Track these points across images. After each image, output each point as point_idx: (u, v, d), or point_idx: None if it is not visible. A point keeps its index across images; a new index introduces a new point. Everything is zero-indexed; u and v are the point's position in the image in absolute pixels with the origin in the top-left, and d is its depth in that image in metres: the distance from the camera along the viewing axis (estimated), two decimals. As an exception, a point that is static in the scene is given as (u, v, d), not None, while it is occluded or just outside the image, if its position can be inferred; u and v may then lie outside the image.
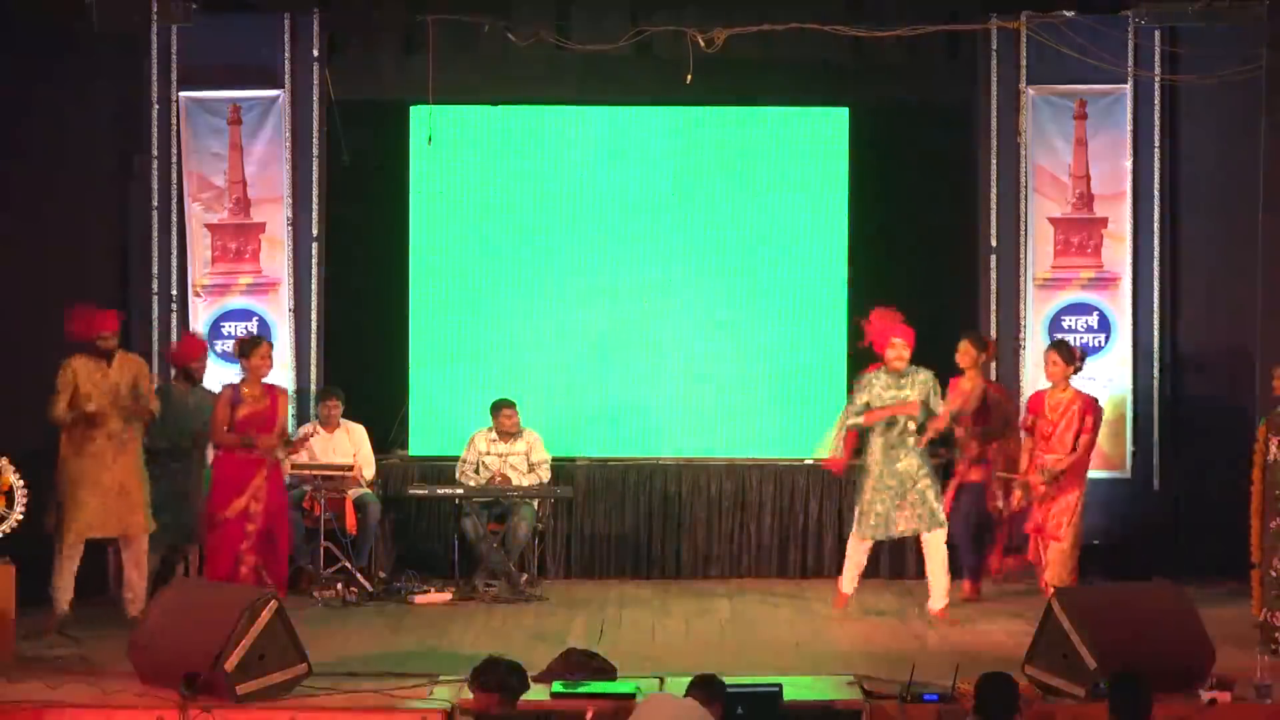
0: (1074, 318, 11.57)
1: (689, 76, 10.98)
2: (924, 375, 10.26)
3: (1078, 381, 10.46)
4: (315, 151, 11.59)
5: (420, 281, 12.32)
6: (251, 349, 10.31)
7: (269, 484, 10.17)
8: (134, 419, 9.94)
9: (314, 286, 11.61)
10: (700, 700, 6.87)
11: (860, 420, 10.20)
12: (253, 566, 10.05)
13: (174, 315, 11.50)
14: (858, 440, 10.35)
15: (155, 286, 11.51)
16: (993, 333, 11.57)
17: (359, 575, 10.90)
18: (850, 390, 10.54)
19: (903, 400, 10.15)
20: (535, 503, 11.24)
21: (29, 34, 11.20)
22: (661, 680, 7.70)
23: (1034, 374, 11.31)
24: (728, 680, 7.50)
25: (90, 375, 9.89)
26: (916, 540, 10.42)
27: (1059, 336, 11.06)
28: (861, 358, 12.01)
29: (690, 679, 7.11)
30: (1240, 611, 9.46)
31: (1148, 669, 7.18)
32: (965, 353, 10.65)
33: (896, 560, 11.40)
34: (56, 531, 9.82)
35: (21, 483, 9.21)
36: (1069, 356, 10.35)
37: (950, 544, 10.35)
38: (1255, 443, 9.29)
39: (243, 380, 10.28)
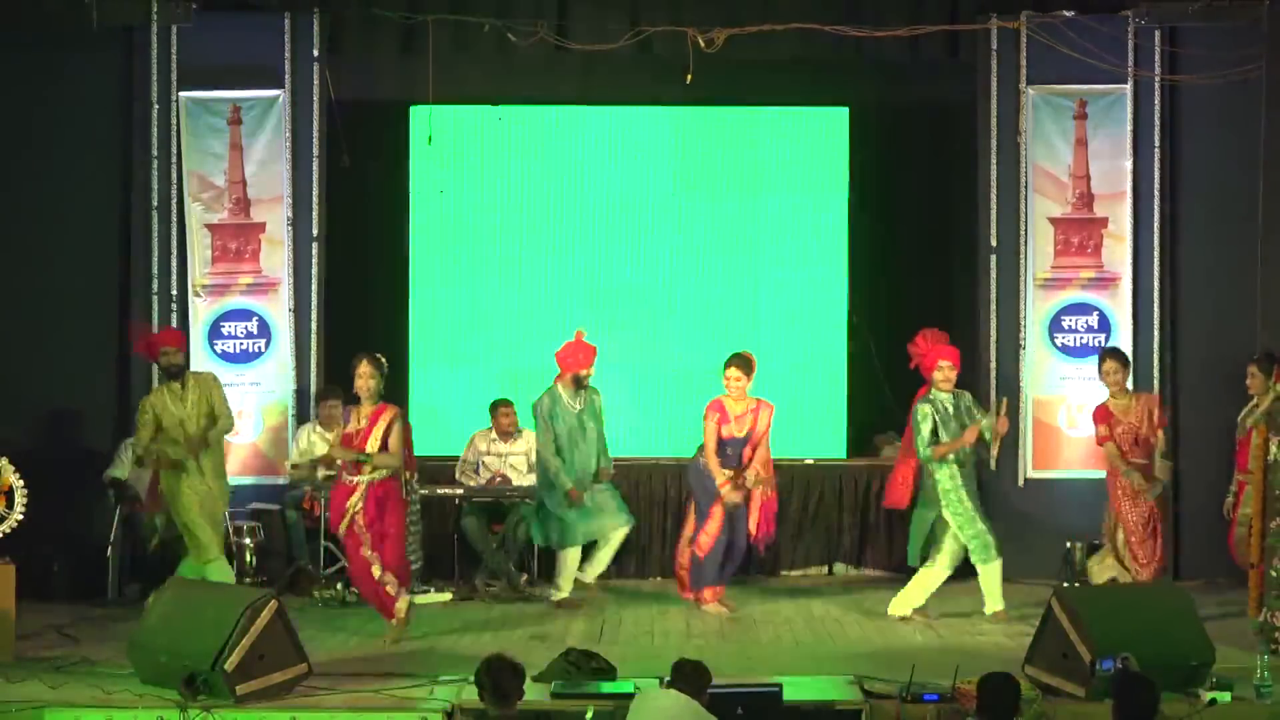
0: (1074, 318, 11.57)
1: (689, 76, 10.98)
2: (968, 395, 10.17)
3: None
4: (315, 151, 11.58)
5: (420, 281, 12.34)
6: (353, 369, 9.78)
7: (367, 501, 9.58)
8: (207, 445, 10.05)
9: (314, 286, 11.61)
10: (687, 693, 6.86)
11: (930, 454, 9.92)
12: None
13: (174, 315, 11.50)
14: (918, 472, 10.13)
15: (155, 286, 11.50)
16: (993, 333, 11.57)
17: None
18: (909, 417, 10.14)
19: (961, 431, 9.97)
20: (535, 503, 11.22)
21: (29, 34, 11.20)
22: (661, 680, 7.69)
23: (1034, 374, 11.32)
24: (728, 680, 7.51)
25: (167, 409, 9.93)
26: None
27: (1060, 342, 10.98)
28: (860, 358, 12.07)
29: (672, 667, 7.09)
30: (1240, 611, 9.46)
31: (1148, 669, 7.20)
32: (736, 378, 10.38)
33: (899, 560, 11.39)
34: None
35: (21, 483, 9.22)
36: (1127, 361, 10.27)
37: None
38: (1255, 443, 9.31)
39: (359, 399, 9.85)
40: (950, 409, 10.03)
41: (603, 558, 10.85)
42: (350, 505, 9.52)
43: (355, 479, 9.51)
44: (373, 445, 9.50)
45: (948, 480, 9.96)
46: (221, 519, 10.21)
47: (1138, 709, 6.40)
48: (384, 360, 9.73)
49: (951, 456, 9.95)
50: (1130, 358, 10.40)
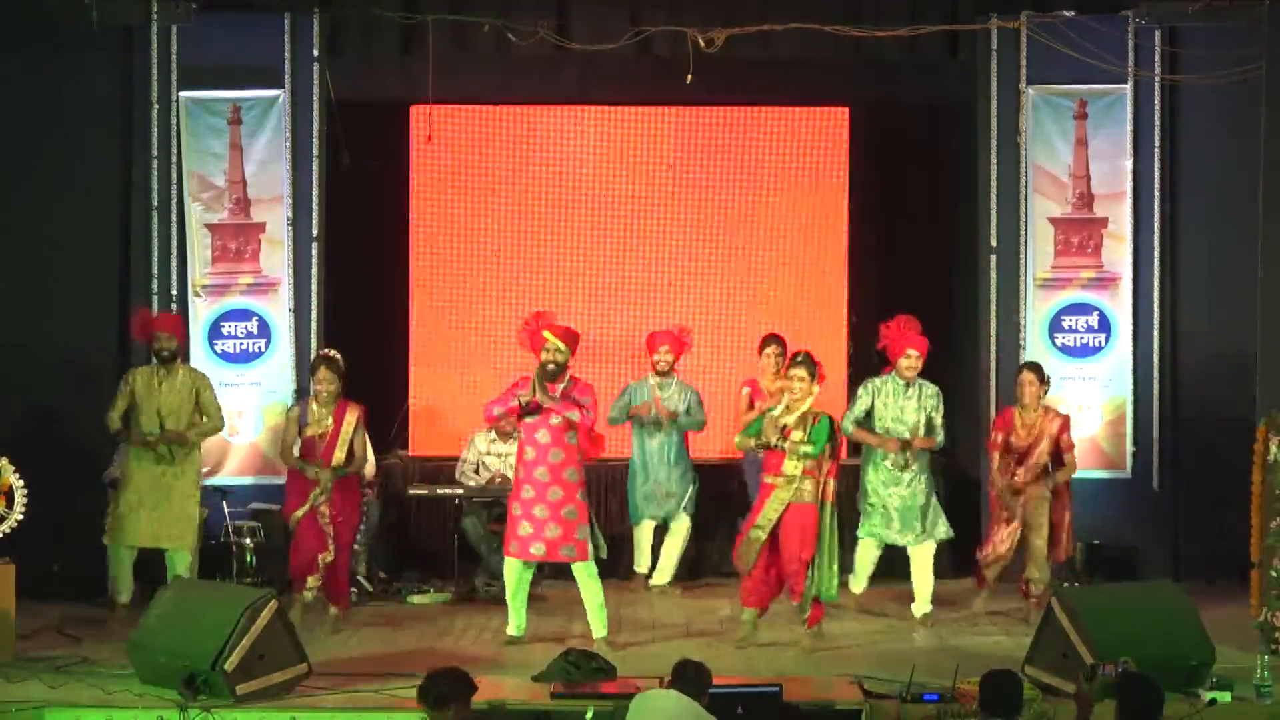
0: (1074, 318, 11.57)
1: (689, 76, 10.98)
2: (930, 390, 10.23)
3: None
4: (315, 151, 11.57)
5: (420, 281, 12.33)
6: (312, 370, 10.22)
7: (333, 501, 9.97)
8: (188, 441, 10.11)
9: (314, 286, 11.60)
10: (688, 694, 6.87)
11: (850, 431, 10.19)
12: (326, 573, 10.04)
13: (174, 315, 11.50)
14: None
15: (155, 286, 11.49)
16: (993, 333, 11.57)
17: (359, 575, 10.90)
18: (853, 391, 10.60)
19: (895, 426, 10.13)
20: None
21: (29, 33, 11.20)
22: (662, 680, 7.70)
23: (1034, 375, 11.31)
24: (728, 680, 7.51)
25: (148, 386, 10.02)
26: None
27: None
28: (860, 358, 12.07)
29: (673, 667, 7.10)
30: (1240, 611, 9.46)
31: (1147, 669, 7.20)
32: (777, 354, 10.82)
33: (901, 563, 11.37)
34: (110, 535, 10.09)
35: (21, 483, 9.22)
36: (1044, 377, 10.30)
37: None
38: (1255, 443, 9.31)
39: (312, 397, 10.13)
40: (899, 395, 10.12)
41: (666, 562, 11.23)
42: (313, 496, 9.89)
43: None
44: (341, 448, 9.94)
45: (870, 474, 10.24)
46: (186, 513, 10.08)
47: (1142, 710, 6.40)
48: (341, 360, 10.17)
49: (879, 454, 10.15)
50: (1047, 374, 10.37)
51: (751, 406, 10.86)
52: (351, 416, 10.07)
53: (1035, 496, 10.10)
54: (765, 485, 9.39)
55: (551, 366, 9.29)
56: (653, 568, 11.31)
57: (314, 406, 10.07)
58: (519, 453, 9.45)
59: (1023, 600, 10.14)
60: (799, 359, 9.53)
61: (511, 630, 9.46)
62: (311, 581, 9.96)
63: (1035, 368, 10.31)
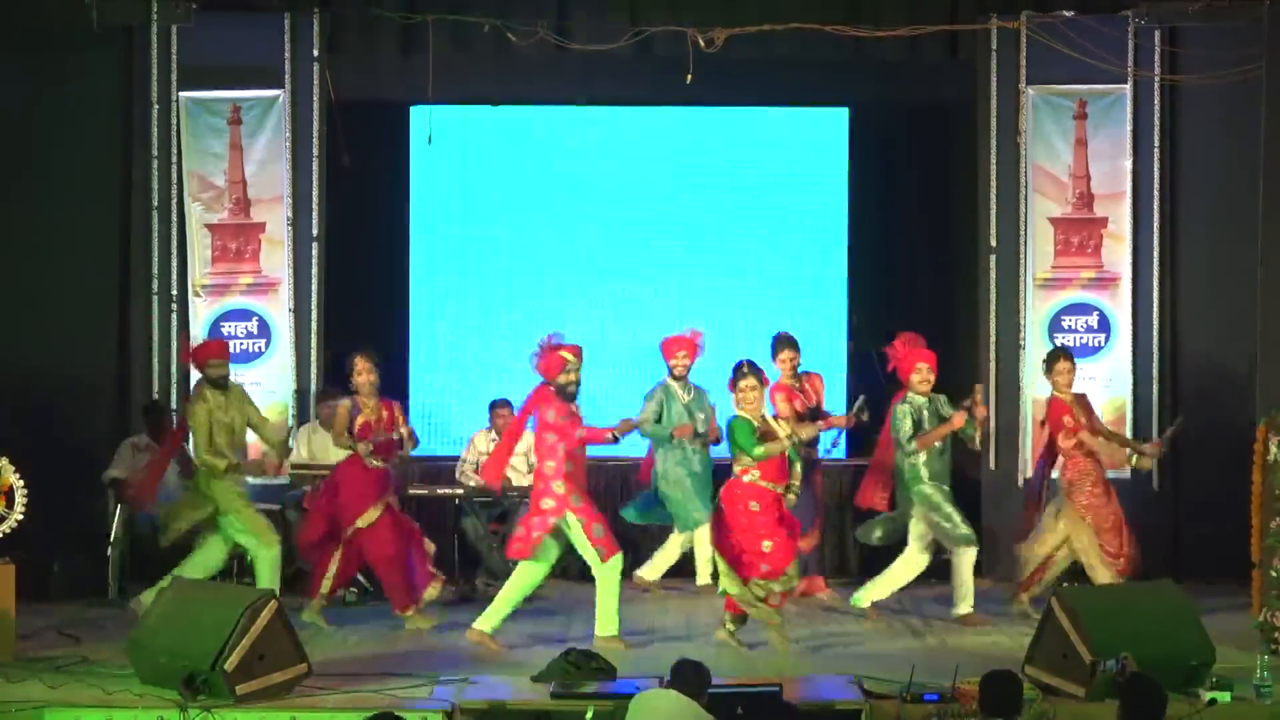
0: (1074, 318, 11.58)
1: (689, 76, 10.99)
2: (942, 397, 10.20)
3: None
4: (315, 151, 11.59)
5: (420, 282, 12.34)
6: (350, 366, 10.06)
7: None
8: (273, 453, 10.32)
9: (314, 286, 11.61)
10: (687, 694, 6.87)
11: (914, 446, 9.95)
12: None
13: (174, 315, 11.50)
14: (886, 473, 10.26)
15: (155, 286, 11.51)
16: (992, 333, 11.58)
17: (359, 575, 10.89)
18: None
19: (945, 422, 10.02)
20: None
21: (29, 34, 11.21)
22: (661, 680, 7.70)
23: (1034, 374, 11.30)
24: (728, 680, 7.51)
25: (216, 416, 9.92)
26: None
27: (1060, 342, 10.97)
28: (860, 357, 12.08)
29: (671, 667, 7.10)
30: (1240, 611, 9.46)
31: (1148, 669, 7.20)
32: (793, 358, 10.68)
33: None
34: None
35: (21, 483, 9.22)
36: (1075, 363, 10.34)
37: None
38: (1255, 443, 9.31)
39: (357, 393, 10.02)
40: (926, 410, 10.06)
41: (664, 561, 10.96)
42: (385, 496, 9.91)
43: (382, 465, 9.89)
44: (399, 431, 9.92)
45: (917, 472, 10.00)
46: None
47: (1145, 710, 6.39)
48: (374, 354, 10.04)
49: (924, 454, 9.97)
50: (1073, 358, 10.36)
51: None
52: (397, 407, 10.08)
53: None
54: (774, 495, 9.20)
55: (572, 389, 9.25)
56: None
57: (361, 397, 9.99)
58: (558, 459, 9.28)
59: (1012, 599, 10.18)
60: (744, 369, 9.42)
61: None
62: (430, 592, 9.94)
63: (1070, 354, 10.26)
